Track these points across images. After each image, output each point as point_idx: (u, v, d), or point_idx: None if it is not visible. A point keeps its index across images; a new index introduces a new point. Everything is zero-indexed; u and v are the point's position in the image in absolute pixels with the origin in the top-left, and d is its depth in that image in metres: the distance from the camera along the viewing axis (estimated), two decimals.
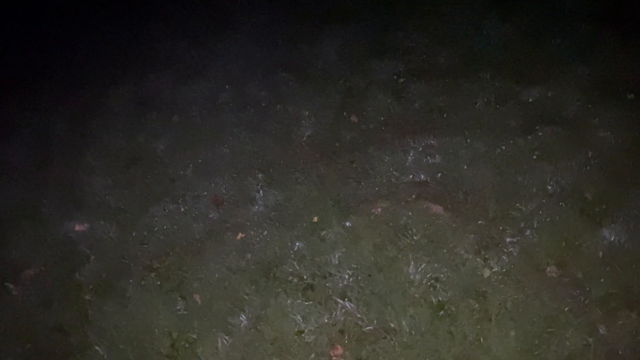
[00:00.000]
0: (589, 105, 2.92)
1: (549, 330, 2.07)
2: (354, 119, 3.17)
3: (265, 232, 2.63)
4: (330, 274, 2.39)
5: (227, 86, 3.51)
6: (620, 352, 2.01)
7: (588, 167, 2.63)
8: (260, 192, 2.83)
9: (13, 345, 2.39)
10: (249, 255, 2.54)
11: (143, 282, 2.53)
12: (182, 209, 2.84)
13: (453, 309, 2.18)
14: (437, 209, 2.59)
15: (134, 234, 2.79)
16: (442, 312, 2.18)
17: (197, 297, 2.43)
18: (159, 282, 2.52)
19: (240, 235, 2.64)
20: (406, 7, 3.81)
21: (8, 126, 3.60)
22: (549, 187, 2.57)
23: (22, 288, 2.63)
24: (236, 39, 3.89)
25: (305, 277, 2.40)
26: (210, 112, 3.38)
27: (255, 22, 4.00)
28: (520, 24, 3.48)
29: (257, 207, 2.76)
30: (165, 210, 2.86)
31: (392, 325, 2.16)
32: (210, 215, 2.78)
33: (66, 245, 2.79)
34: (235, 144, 3.14)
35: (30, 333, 2.43)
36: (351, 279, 2.36)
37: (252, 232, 2.64)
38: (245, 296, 2.36)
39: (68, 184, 3.14)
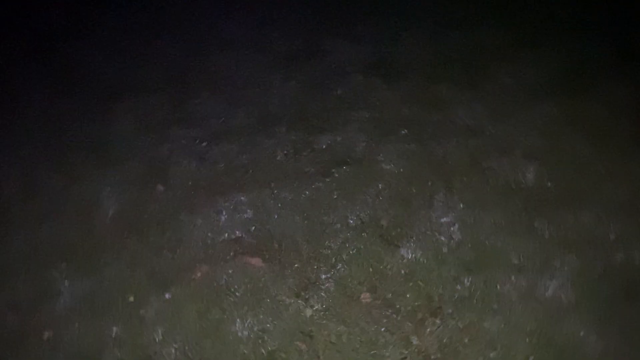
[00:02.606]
0: (372, 144, 3.28)
1: (371, 352, 2.23)
2: (160, 188, 3.11)
3: (77, 324, 2.40)
4: (155, 353, 2.26)
5: (10, 177, 3.19)
6: (432, 357, 2.23)
7: (380, 198, 2.94)
8: (66, 282, 2.59)
9: None
10: (61, 355, 2.28)
11: None
12: None
13: (283, 356, 2.21)
14: (255, 261, 2.65)
15: None
16: None
17: None
18: None
19: (47, 334, 2.37)
20: (198, 75, 3.92)
21: None
22: (351, 221, 2.81)
23: None
24: (20, 124, 3.58)
25: None
26: None
27: (42, 107, 3.74)
28: (303, 80, 3.82)
29: (63, 299, 2.51)
30: None
31: None
32: (9, 322, 2.44)
33: None
34: (29, 237, 2.84)
35: None
36: (178, 353, 2.26)
37: (61, 329, 2.38)
38: None
39: None
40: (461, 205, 2.87)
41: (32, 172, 3.21)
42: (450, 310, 2.40)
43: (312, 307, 2.40)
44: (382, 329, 2.31)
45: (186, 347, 2.27)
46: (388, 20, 4.35)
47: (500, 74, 3.72)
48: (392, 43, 4.11)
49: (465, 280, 2.52)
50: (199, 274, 2.60)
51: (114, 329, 2.36)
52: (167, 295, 2.50)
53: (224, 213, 2.92)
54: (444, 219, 2.82)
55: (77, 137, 3.45)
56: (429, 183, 3.02)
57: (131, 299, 2.49)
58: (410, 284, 2.50)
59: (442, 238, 2.73)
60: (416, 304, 2.41)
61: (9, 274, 2.65)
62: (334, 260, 2.61)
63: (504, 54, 3.87)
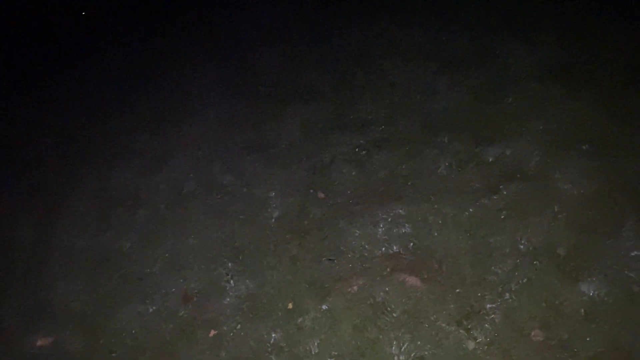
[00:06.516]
0: (548, 160, 2.96)
1: None
2: (321, 194, 3.16)
3: (239, 325, 2.52)
4: None
5: (191, 174, 3.48)
6: None
7: (556, 222, 2.63)
8: (231, 282, 2.75)
9: None
10: (223, 354, 2.42)
11: None
12: (151, 310, 2.72)
13: None
14: (414, 280, 2.54)
15: (101, 342, 2.65)
16: None
17: None
18: None
19: (212, 332, 2.53)
20: (362, 81, 3.90)
21: None
22: (521, 247, 2.55)
23: None
24: (198, 126, 3.90)
25: None
26: (175, 202, 3.32)
27: (217, 108, 4.03)
28: (470, 86, 3.59)
29: (228, 299, 2.66)
30: (133, 312, 2.74)
31: None
32: (180, 313, 2.66)
33: None
34: (202, 233, 3.07)
35: None
36: None
37: (225, 327, 2.53)
38: None
39: (31, 293, 3.01)
40: None
41: (209, 172, 3.47)
42: None
43: (475, 339, 2.22)
44: None
45: None
46: (570, 20, 3.90)
47: None
48: (574, 47, 3.68)
49: None
50: (355, 288, 2.57)
51: (273, 335, 2.44)
52: (324, 306, 2.51)
53: (381, 225, 2.85)
54: (634, 252, 2.44)
55: (249, 139, 3.65)
56: (617, 208, 2.63)
57: (290, 306, 2.54)
58: (592, 325, 2.18)
59: (632, 275, 2.36)
60: (599, 350, 2.11)
61: (183, 268, 2.88)
62: (500, 288, 2.39)
63: None
